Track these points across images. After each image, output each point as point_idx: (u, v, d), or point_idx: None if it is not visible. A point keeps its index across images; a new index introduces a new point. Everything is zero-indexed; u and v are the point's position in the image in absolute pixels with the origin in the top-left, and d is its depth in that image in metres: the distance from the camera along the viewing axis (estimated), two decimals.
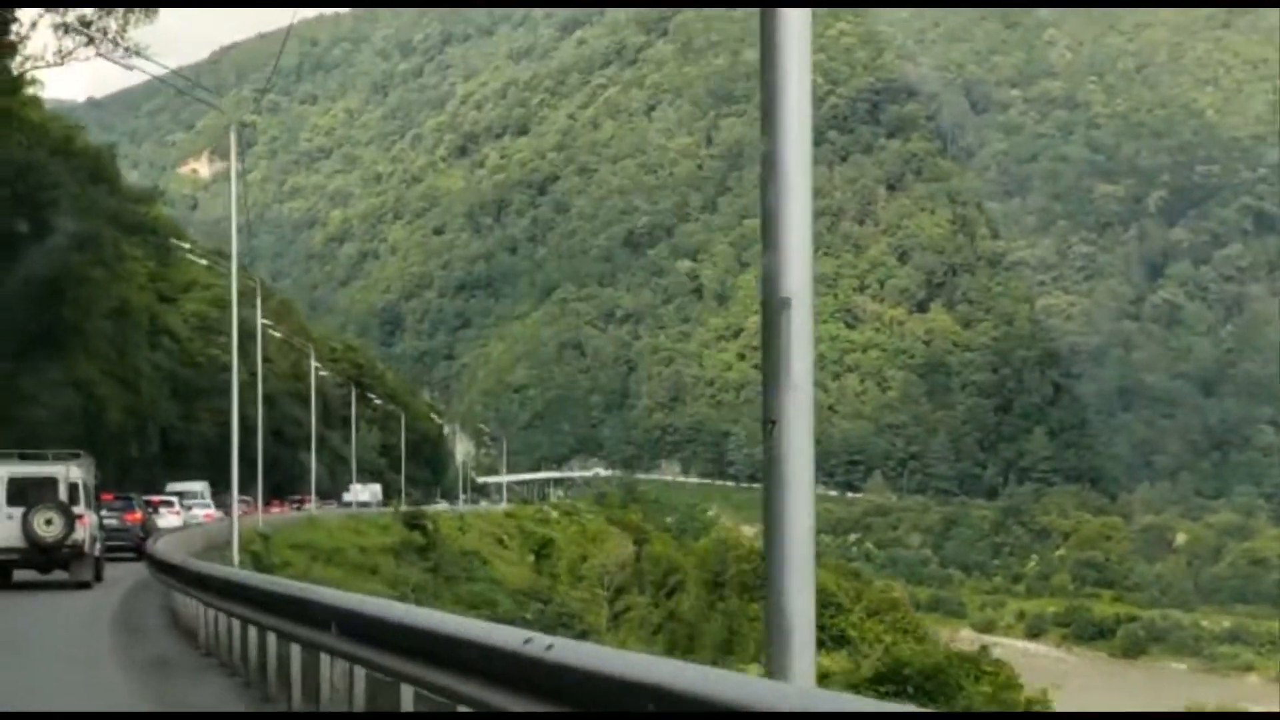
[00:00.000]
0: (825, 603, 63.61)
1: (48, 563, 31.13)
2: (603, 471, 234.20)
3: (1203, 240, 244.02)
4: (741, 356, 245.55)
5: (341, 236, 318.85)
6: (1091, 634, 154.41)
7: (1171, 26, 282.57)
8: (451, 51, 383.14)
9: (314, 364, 70.02)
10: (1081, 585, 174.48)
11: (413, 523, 64.11)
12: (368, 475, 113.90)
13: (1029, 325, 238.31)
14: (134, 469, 73.58)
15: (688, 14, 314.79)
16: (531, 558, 72.81)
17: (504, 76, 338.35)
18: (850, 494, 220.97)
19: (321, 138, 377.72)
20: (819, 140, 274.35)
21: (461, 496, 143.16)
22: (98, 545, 32.95)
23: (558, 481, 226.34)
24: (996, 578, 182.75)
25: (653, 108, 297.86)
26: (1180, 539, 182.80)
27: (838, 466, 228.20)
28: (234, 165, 35.23)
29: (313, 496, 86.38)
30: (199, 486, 63.96)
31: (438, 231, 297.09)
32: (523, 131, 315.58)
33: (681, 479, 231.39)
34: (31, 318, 61.13)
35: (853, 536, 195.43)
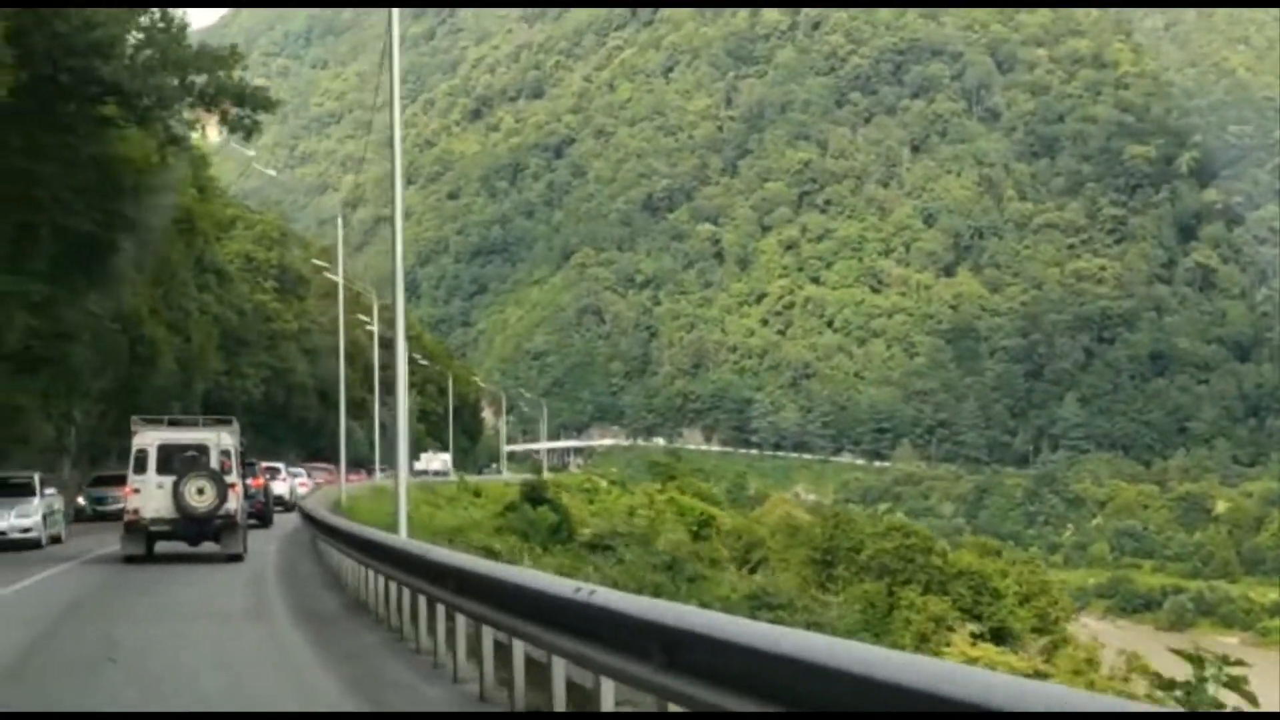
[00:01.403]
0: (979, 588, 57.63)
1: (198, 534, 29.84)
2: (623, 441, 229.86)
3: (1236, 201, 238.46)
4: (764, 322, 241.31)
5: (354, 202, 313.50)
6: (1136, 606, 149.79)
7: None
8: (463, 14, 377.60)
9: (374, 319, 64.13)
10: (1120, 555, 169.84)
11: (537, 497, 56.14)
12: (411, 443, 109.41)
13: (1059, 289, 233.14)
14: None
15: None
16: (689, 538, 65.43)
17: (517, 39, 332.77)
18: (878, 462, 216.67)
19: (333, 102, 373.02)
20: (841, 102, 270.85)
21: (494, 465, 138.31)
22: (245, 515, 31.96)
23: (577, 450, 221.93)
24: (1032, 548, 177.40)
25: (670, 69, 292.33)
26: (1220, 507, 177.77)
27: (864, 434, 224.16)
28: (395, 78, 25.48)
29: (376, 465, 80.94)
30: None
31: (452, 196, 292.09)
32: (537, 94, 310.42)
33: (704, 447, 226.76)
34: (76, 213, 43.83)
35: (883, 506, 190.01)
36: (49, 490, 37.82)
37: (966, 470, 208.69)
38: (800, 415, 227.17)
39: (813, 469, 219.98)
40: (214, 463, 29.33)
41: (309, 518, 31.42)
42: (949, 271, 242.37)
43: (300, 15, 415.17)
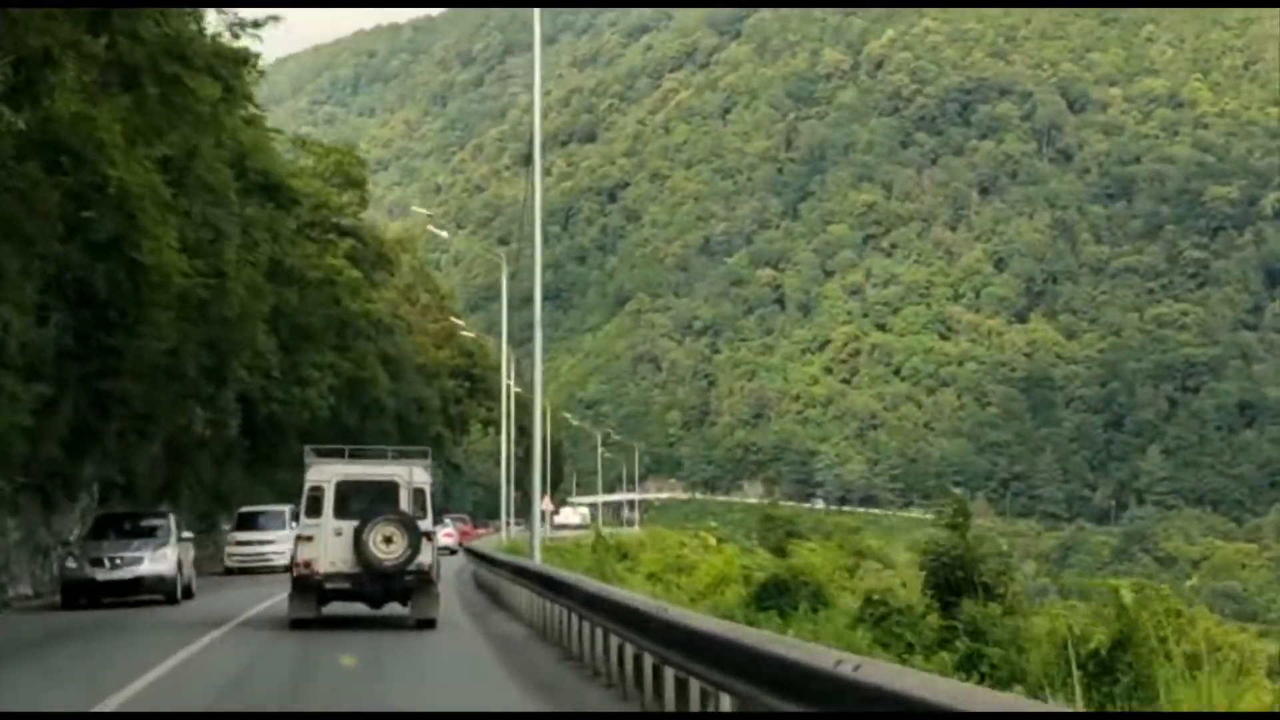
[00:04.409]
0: None
1: (384, 593, 24.29)
2: (680, 495, 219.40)
3: None
4: (828, 370, 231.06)
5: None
6: None
7: None
8: (512, 61, 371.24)
9: (504, 342, 48.32)
10: (1221, 618, 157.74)
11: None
12: (480, 489, 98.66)
13: (1139, 336, 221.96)
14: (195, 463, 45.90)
15: (763, 14, 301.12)
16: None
17: (568, 84, 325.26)
18: None
19: (379, 150, 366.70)
20: (906, 143, 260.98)
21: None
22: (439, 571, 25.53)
23: (632, 504, 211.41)
24: None
25: (728, 110, 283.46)
26: None
27: (934, 488, 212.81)
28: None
29: (505, 517, 66.62)
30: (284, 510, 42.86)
31: (503, 241, 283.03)
32: (590, 138, 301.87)
33: (766, 501, 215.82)
34: None
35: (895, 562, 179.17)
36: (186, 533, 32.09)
37: (1044, 526, 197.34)
38: (867, 468, 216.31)
39: (880, 524, 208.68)
40: (405, 505, 23.85)
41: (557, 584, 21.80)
42: (1022, 318, 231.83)
43: (348, 63, 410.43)
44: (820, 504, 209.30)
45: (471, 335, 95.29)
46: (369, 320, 66.22)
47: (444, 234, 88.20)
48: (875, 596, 27.21)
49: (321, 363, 56.79)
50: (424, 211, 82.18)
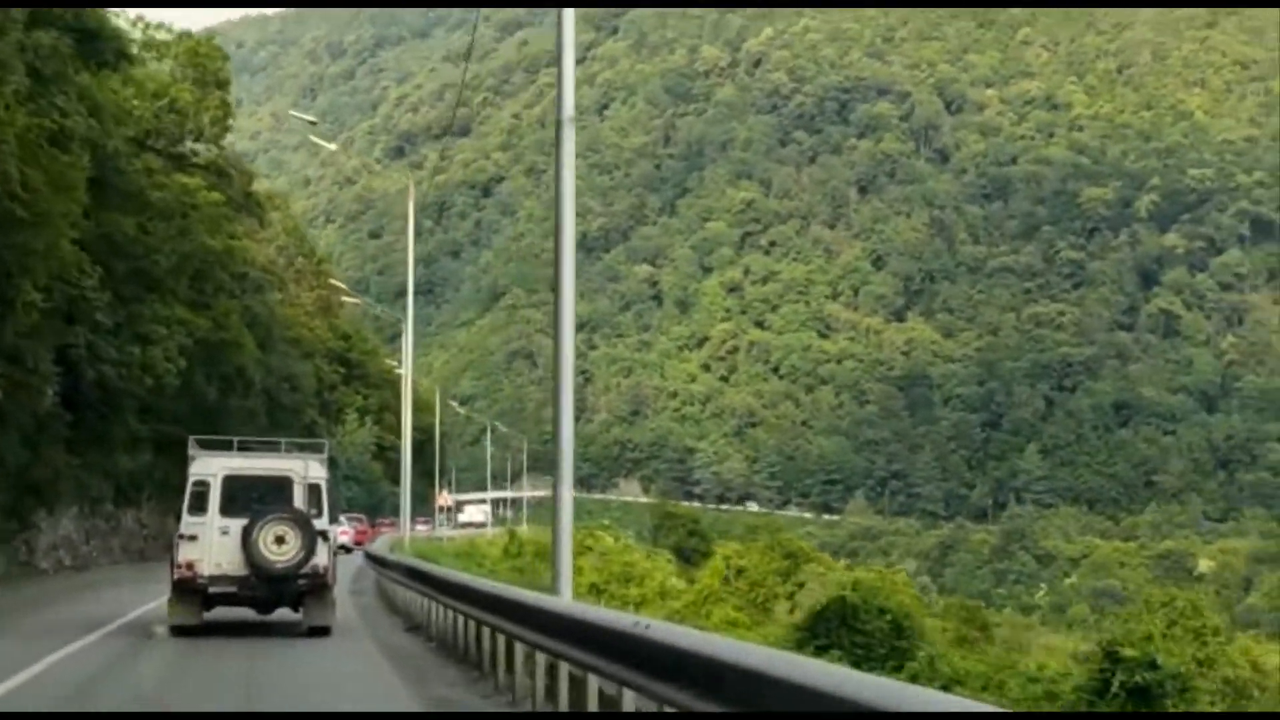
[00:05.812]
0: None
1: (274, 598, 22.45)
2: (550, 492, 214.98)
3: (1198, 246, 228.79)
4: (706, 367, 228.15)
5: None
6: None
7: (1153, 26, 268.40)
8: (384, 54, 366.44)
9: (409, 302, 42.17)
10: (1101, 617, 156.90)
11: None
12: (355, 484, 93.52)
13: (1016, 335, 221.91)
14: None
15: (641, 10, 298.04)
16: None
17: (441, 78, 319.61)
18: (827, 515, 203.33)
19: (246, 142, 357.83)
20: (785, 140, 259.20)
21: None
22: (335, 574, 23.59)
23: (511, 502, 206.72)
24: (1005, 609, 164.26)
25: (605, 106, 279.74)
26: (1204, 566, 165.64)
27: (813, 486, 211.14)
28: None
29: (406, 515, 58.86)
30: None
31: (374, 235, 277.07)
32: (464, 132, 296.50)
33: (643, 499, 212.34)
34: None
35: (841, 563, 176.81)
36: None
37: (923, 525, 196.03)
38: (745, 466, 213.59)
39: (758, 523, 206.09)
40: (299, 501, 22.09)
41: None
42: (900, 316, 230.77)
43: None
44: (754, 507, 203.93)
45: (355, 301, 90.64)
46: (232, 271, 56.31)
47: (331, 146, 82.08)
48: (1118, 650, 19.83)
49: (170, 316, 46.61)
50: (305, 118, 75.70)
